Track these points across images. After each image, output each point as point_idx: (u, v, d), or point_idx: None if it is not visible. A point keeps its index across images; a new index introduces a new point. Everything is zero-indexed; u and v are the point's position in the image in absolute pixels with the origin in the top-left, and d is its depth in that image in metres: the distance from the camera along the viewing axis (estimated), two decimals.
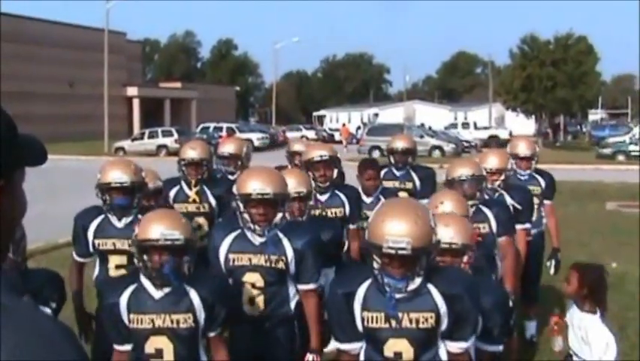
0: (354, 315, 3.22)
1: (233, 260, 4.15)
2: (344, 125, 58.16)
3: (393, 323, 3.16)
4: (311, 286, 4.23)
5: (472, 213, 4.99)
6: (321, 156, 5.74)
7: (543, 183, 6.84)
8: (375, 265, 3.11)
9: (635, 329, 7.19)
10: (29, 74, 51.69)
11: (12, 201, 1.26)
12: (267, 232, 4.10)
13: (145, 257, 3.49)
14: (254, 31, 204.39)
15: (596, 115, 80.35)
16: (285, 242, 4.13)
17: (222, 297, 3.62)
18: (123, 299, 3.55)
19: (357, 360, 3.32)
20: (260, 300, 4.19)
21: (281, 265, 4.13)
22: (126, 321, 3.55)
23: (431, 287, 3.16)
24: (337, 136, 52.44)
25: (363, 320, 3.21)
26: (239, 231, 4.15)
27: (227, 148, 6.64)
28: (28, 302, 1.23)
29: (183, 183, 6.03)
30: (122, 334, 3.58)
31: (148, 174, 5.15)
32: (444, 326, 3.18)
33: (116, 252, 4.76)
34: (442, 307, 3.15)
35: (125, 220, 4.76)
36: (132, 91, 62.21)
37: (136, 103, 61.79)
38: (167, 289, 3.52)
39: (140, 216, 4.79)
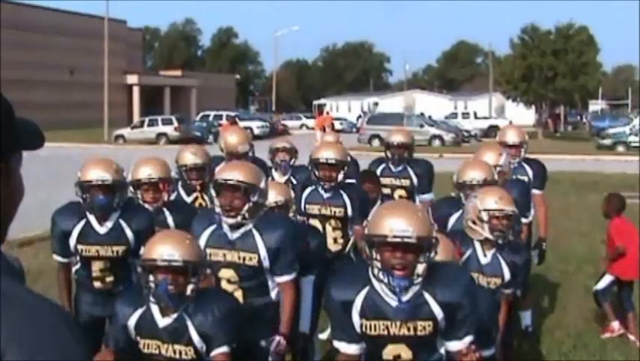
0: (352, 321, 3.23)
1: (210, 255, 4.18)
2: (322, 113, 53.51)
3: (392, 330, 3.17)
4: (286, 278, 4.25)
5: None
6: (327, 159, 5.74)
7: (530, 173, 6.71)
8: (378, 265, 3.09)
9: None
10: (29, 61, 51.55)
11: (10, 185, 1.26)
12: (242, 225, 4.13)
13: (148, 277, 3.45)
14: (254, 19, 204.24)
15: (596, 106, 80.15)
16: (258, 238, 4.15)
17: (222, 327, 3.51)
18: (131, 323, 3.55)
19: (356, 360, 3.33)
20: (238, 294, 4.21)
21: (253, 262, 4.16)
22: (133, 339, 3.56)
23: (428, 296, 3.15)
24: (337, 125, 51.45)
25: (361, 326, 3.22)
26: (215, 226, 4.20)
27: (235, 141, 6.36)
28: (26, 287, 1.23)
29: (181, 189, 5.85)
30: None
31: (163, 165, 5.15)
32: (442, 329, 3.20)
33: (100, 258, 4.68)
34: (440, 315, 3.16)
35: (107, 225, 4.66)
36: (132, 79, 62.09)
37: (136, 91, 61.67)
38: (169, 319, 3.49)
39: (121, 220, 4.66)
